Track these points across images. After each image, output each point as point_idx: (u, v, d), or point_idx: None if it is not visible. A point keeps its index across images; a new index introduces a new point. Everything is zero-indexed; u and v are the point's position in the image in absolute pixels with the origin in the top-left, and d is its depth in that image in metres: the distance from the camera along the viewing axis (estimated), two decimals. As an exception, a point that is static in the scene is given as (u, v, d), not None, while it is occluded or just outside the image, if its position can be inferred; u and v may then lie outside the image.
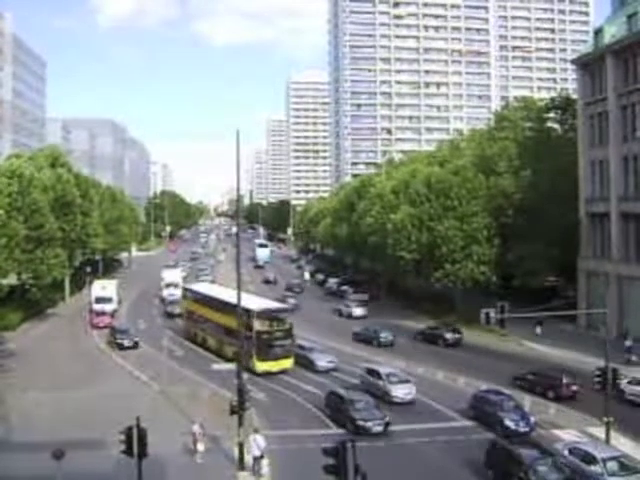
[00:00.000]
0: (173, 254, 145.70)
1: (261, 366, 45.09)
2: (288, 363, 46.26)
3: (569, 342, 52.95)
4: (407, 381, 40.04)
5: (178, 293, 72.91)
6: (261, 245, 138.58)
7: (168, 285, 79.95)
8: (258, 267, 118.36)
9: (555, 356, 50.06)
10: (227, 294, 50.18)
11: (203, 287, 64.31)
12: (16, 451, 28.78)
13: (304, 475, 26.42)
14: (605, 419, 30.01)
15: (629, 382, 37.91)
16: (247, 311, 44.12)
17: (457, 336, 56.77)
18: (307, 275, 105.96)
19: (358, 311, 71.42)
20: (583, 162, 60.72)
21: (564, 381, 38.95)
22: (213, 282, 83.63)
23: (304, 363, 47.53)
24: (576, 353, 48.62)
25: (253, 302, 48.87)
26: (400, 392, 38.67)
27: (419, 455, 30.43)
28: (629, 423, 31.99)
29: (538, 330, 56.41)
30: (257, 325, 46.22)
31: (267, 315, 48.03)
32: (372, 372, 41.04)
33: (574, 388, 38.69)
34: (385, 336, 57.00)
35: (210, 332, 53.68)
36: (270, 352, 45.68)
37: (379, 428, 32.84)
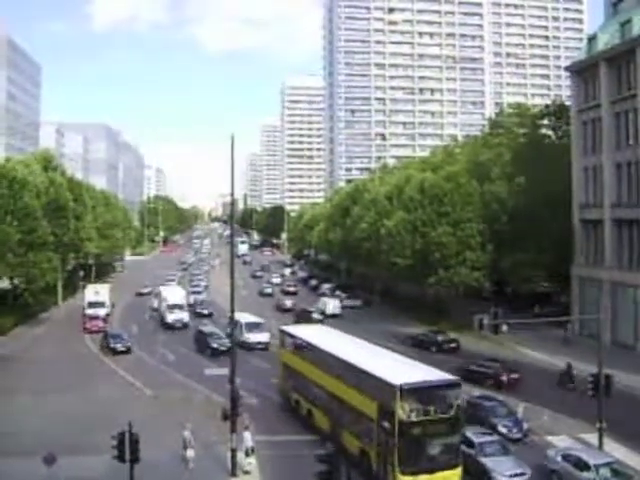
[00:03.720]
0: (172, 253, 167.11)
1: None
2: (454, 477, 26.51)
3: (562, 348, 53.00)
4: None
5: (186, 317, 67.07)
6: (242, 242, 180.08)
7: (172, 307, 67.52)
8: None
9: (546, 361, 50.09)
10: (348, 347, 35.20)
11: (309, 332, 40.89)
12: (6, 456, 28.56)
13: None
14: (598, 425, 30.02)
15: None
16: (384, 383, 27.32)
17: (451, 343, 55.70)
18: (287, 271, 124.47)
19: (331, 305, 74.23)
20: (577, 169, 60.90)
21: (502, 371, 42.68)
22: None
23: None
24: (568, 359, 48.59)
25: (393, 367, 29.92)
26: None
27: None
28: (620, 428, 31.95)
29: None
30: (402, 411, 26.04)
31: (421, 394, 26.96)
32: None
33: (513, 377, 42.26)
34: None
35: (320, 405, 34.17)
36: (423, 457, 26.33)
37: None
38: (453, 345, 55.44)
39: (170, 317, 66.57)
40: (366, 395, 28.27)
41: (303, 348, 37.80)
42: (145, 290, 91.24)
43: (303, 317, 66.10)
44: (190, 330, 62.73)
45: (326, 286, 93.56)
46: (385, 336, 57.56)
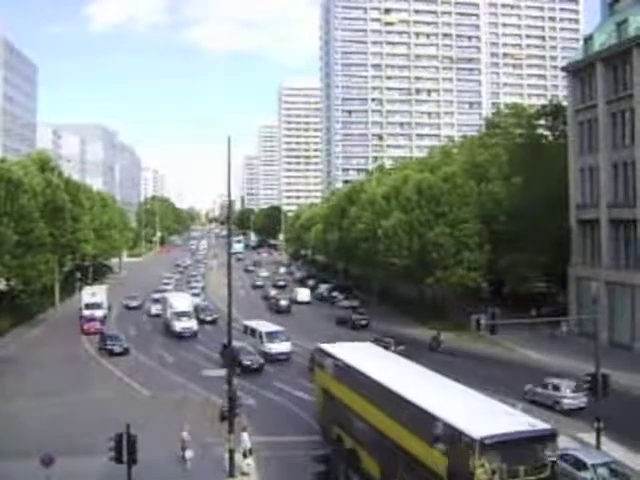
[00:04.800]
0: (169, 253, 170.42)
1: None
2: None
3: (559, 348, 53.08)
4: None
5: (194, 325, 62.90)
6: (238, 241, 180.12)
7: (180, 315, 63.12)
8: (247, 271, 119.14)
9: (543, 361, 50.14)
10: (406, 377, 28.72)
11: (355, 354, 33.18)
12: (4, 457, 28.52)
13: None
14: (595, 425, 30.05)
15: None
16: (457, 433, 21.29)
17: (362, 321, 66.83)
18: (282, 269, 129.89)
19: (302, 294, 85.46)
20: (573, 169, 60.97)
21: (391, 343, 50.61)
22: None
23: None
24: (565, 359, 48.70)
25: (468, 410, 23.16)
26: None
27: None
28: (617, 428, 31.98)
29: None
30: (482, 471, 20.17)
31: (508, 450, 20.78)
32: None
33: (400, 348, 49.18)
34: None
35: (367, 445, 28.02)
36: None
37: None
38: (364, 322, 67.26)
39: (178, 326, 61.94)
40: (432, 445, 22.24)
41: (348, 374, 30.65)
42: (133, 303, 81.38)
43: (273, 304, 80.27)
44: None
45: (324, 286, 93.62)
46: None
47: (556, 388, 37.94)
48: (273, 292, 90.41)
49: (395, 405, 25.50)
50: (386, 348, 48.45)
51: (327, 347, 35.04)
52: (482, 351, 54.35)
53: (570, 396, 37.19)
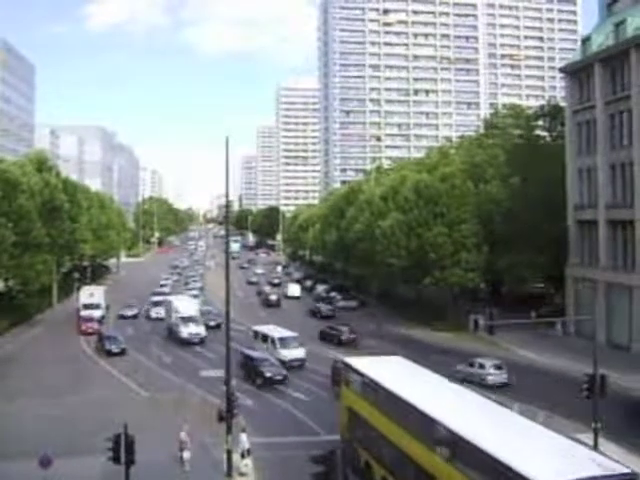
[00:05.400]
0: (167, 254, 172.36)
1: None
2: None
3: (558, 348, 53.12)
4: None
5: (202, 331, 59.45)
6: (235, 241, 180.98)
7: (186, 320, 59.79)
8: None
9: (539, 362, 50.19)
10: (450, 403, 24.44)
11: (387, 372, 29.16)
12: (2, 458, 28.48)
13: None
14: (593, 425, 30.05)
15: None
16: (518, 477, 17.46)
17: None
18: (279, 268, 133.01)
19: (292, 289, 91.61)
20: (571, 169, 61.02)
21: (344, 331, 57.74)
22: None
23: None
24: (564, 359, 48.72)
25: (534, 450, 19.21)
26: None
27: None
28: (615, 430, 32.01)
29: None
30: None
31: None
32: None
33: (352, 337, 56.78)
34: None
35: (402, 478, 24.43)
36: None
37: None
38: (330, 313, 74.27)
39: (185, 331, 58.61)
40: None
41: (379, 394, 27.08)
42: (130, 312, 74.46)
43: (264, 298, 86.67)
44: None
45: (321, 287, 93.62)
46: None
47: (481, 366, 43.12)
48: (267, 288, 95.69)
49: (443, 439, 21.58)
50: (339, 337, 57.40)
51: (354, 362, 31.33)
52: (477, 350, 54.43)
53: (493, 373, 42.53)
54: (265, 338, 51.84)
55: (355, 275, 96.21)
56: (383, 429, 26.01)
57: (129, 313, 74.33)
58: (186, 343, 57.69)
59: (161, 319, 67.68)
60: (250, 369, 45.13)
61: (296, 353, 49.20)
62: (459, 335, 57.36)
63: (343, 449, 27.96)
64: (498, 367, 43.29)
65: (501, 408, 24.21)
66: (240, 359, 46.01)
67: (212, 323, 65.22)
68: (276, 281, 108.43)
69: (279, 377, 43.69)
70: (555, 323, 57.37)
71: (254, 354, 47.11)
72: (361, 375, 29.43)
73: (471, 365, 43.75)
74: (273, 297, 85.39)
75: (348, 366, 31.38)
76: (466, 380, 40.22)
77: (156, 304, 73.70)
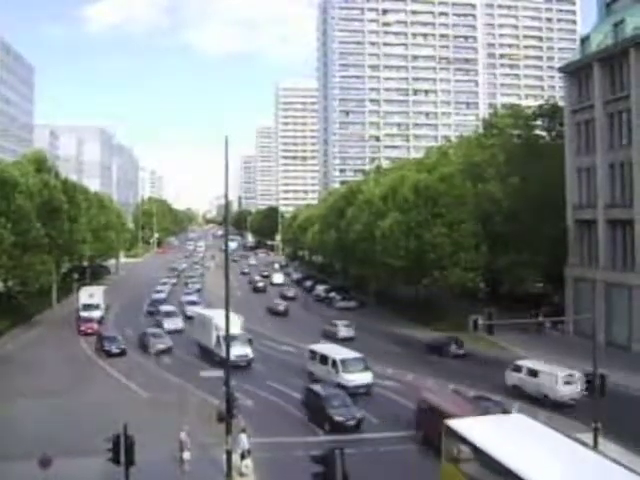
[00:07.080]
0: (166, 254, 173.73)
1: None
2: None
3: (556, 348, 53.10)
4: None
5: (249, 352, 50.28)
6: (232, 240, 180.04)
7: (231, 340, 41.19)
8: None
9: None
10: None
11: (500, 436, 22.43)
12: (1, 459, 28.46)
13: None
14: (593, 425, 30.07)
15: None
16: None
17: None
18: (277, 266, 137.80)
19: (277, 277, 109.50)
20: (570, 169, 61.05)
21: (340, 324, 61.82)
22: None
23: None
24: (563, 360, 48.66)
25: None
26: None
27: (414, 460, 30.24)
28: (615, 429, 32.02)
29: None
30: None
31: None
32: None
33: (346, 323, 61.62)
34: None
35: None
36: None
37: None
38: (291, 294, 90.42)
39: (231, 353, 40.87)
40: None
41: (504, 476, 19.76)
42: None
43: (252, 285, 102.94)
44: (186, 332, 62.29)
45: (321, 287, 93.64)
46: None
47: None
48: (257, 278, 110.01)
49: None
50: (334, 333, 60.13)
51: (461, 427, 23.45)
52: (477, 350, 54.49)
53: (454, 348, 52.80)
54: (324, 359, 44.19)
55: (354, 275, 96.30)
56: None
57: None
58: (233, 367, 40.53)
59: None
60: (316, 408, 35.58)
61: (362, 378, 42.00)
62: (459, 335, 57.27)
63: None
64: (459, 345, 53.34)
65: None
66: (305, 395, 37.62)
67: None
68: (265, 273, 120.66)
69: (352, 422, 33.98)
70: (555, 323, 57.34)
71: (322, 392, 36.59)
72: (478, 450, 21.72)
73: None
74: (260, 284, 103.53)
75: (456, 434, 23.26)
76: None
77: (150, 313, 70.43)
